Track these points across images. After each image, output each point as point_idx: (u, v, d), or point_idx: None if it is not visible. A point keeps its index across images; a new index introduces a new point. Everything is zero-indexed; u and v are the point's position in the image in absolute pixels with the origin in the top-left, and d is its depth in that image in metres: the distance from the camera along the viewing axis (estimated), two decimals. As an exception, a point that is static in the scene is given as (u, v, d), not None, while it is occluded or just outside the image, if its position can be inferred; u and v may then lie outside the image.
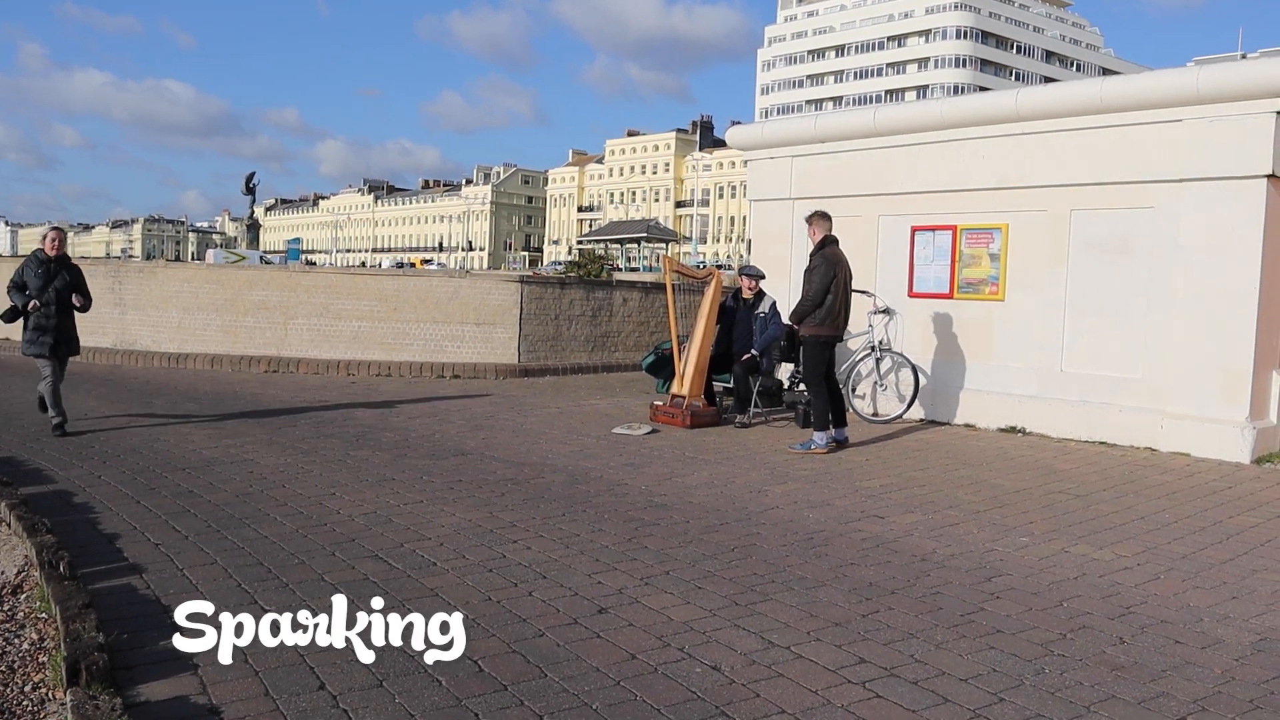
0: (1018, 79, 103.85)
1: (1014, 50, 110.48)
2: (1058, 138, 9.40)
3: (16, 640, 3.92)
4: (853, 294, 8.94)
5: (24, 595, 4.44)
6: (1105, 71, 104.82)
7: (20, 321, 8.65)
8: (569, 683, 3.57)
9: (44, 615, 4.13)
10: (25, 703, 3.38)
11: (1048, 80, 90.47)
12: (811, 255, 8.75)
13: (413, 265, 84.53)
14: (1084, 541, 5.67)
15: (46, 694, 3.44)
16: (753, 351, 9.92)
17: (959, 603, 4.58)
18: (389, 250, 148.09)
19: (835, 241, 8.76)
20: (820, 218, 8.84)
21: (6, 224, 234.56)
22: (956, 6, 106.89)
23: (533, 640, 3.96)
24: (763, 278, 10.43)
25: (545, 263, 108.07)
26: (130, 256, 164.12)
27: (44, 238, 8.87)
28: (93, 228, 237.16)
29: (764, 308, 10.12)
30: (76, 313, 8.75)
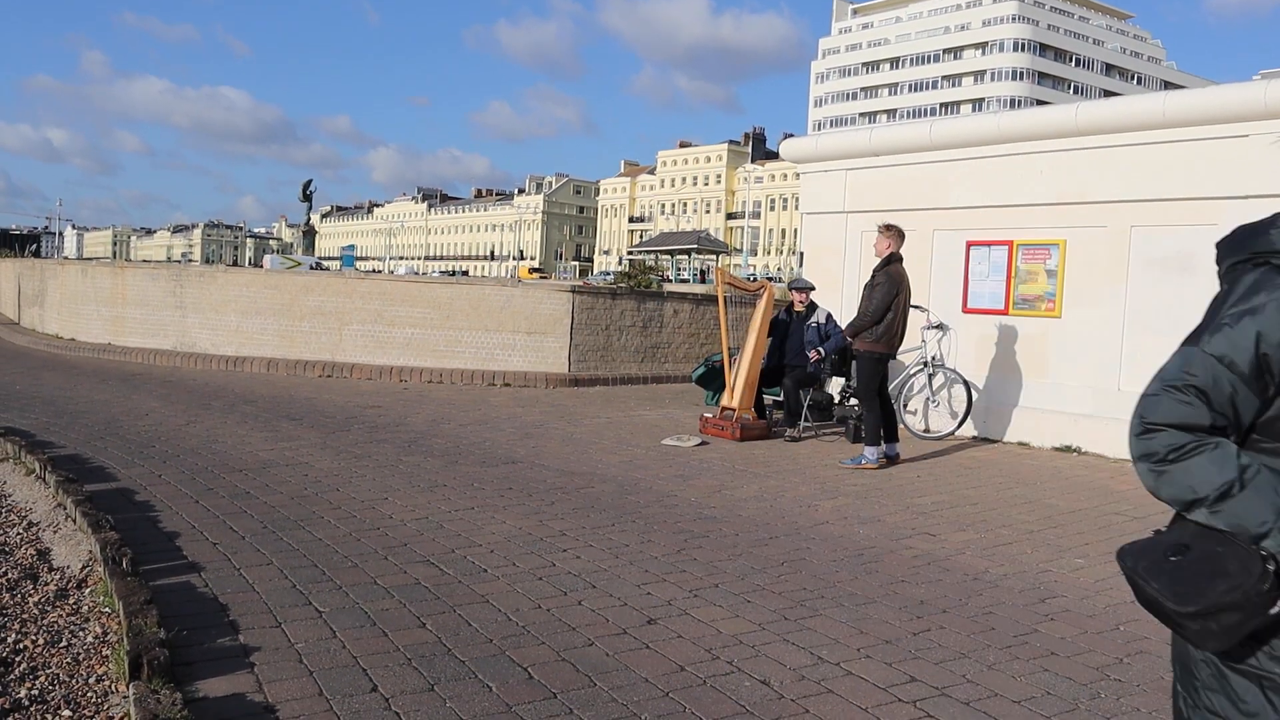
0: (1076, 92, 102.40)
1: (1073, 63, 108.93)
2: (1118, 153, 9.26)
3: (81, 633, 4.02)
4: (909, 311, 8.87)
5: (88, 590, 4.55)
6: (1167, 85, 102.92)
7: None
8: (618, 692, 3.58)
9: (107, 610, 4.24)
10: (90, 694, 3.47)
11: (1107, 94, 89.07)
12: (875, 271, 8.61)
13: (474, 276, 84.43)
14: (1141, 564, 5.56)
15: (110, 686, 3.53)
16: (820, 351, 9.78)
17: (1012, 623, 4.52)
18: (441, 258, 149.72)
19: (900, 259, 8.62)
20: (892, 231, 8.59)
21: (74, 227, 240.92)
22: (1014, 19, 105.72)
23: (582, 649, 3.98)
24: (813, 289, 10.40)
25: (595, 272, 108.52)
26: (190, 261, 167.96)
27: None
28: (154, 232, 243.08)
29: (819, 318, 10.09)
30: None
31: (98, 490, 6.34)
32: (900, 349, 8.89)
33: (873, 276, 8.61)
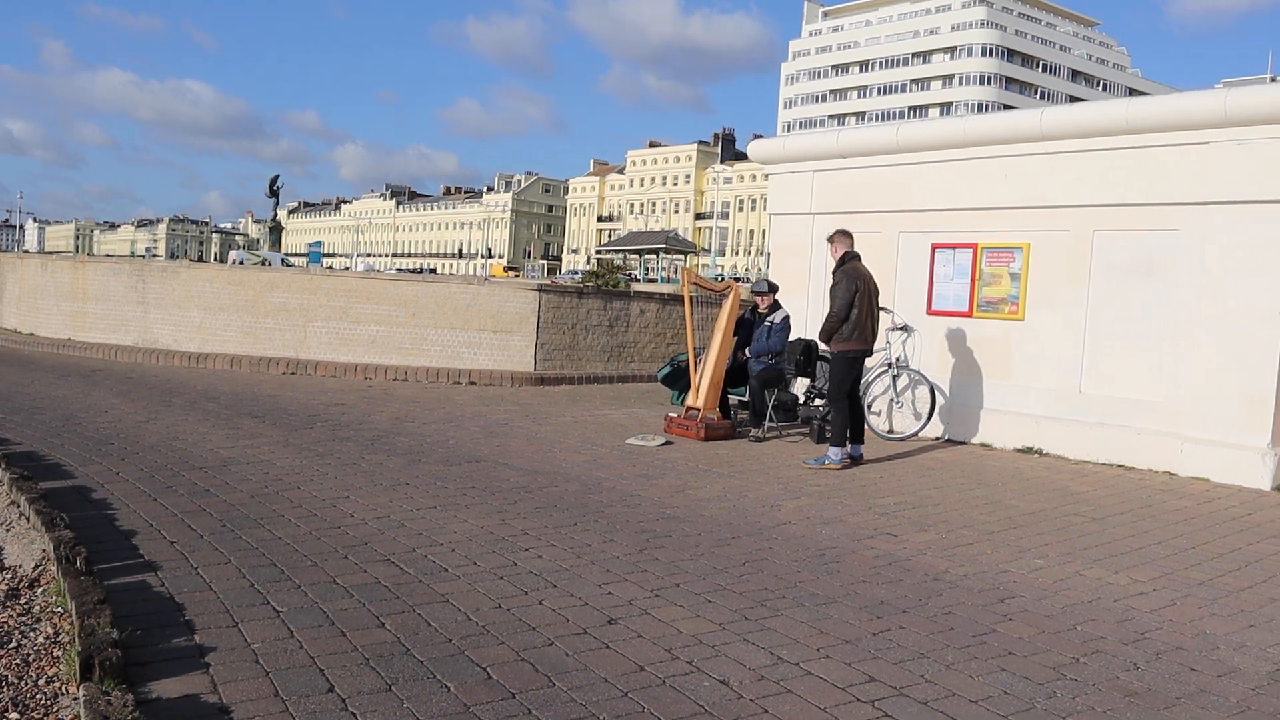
0: (1043, 97, 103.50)
1: (1040, 69, 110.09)
2: (1082, 158, 9.37)
3: (32, 634, 3.95)
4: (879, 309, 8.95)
5: (40, 589, 4.47)
6: (1132, 92, 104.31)
7: None
8: (577, 693, 3.57)
9: (59, 610, 4.16)
10: (39, 696, 3.40)
11: (1073, 99, 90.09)
12: (833, 272, 8.77)
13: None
14: (1099, 565, 5.63)
15: (60, 688, 3.47)
16: (746, 353, 10.09)
17: (971, 623, 4.55)
18: (409, 256, 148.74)
19: (857, 257, 8.78)
20: (841, 235, 8.88)
21: (35, 220, 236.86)
22: (982, 24, 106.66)
23: (542, 649, 3.97)
24: (775, 290, 10.46)
25: (563, 271, 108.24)
26: (155, 256, 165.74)
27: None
28: (118, 226, 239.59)
29: (774, 318, 10.16)
30: None
31: (53, 488, 6.23)
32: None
33: (832, 278, 8.73)
